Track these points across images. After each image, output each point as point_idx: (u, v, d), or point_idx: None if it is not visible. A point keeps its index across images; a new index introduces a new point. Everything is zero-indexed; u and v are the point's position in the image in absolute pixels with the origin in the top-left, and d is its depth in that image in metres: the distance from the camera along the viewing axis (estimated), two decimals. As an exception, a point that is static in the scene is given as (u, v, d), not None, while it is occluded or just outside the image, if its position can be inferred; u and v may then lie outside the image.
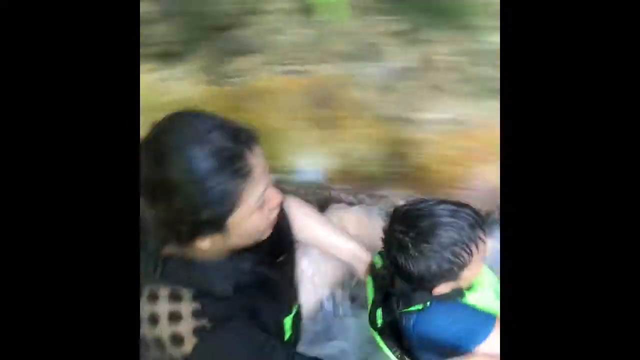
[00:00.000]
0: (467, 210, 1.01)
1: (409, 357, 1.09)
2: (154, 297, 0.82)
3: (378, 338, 1.15)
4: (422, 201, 1.03)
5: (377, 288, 1.15)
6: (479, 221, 1.01)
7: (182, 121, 0.79)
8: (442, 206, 1.00)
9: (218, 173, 0.76)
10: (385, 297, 1.11)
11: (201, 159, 0.75)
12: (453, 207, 1.00)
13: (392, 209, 1.08)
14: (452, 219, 0.98)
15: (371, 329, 1.17)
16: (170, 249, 0.85)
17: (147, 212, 0.78)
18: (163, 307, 0.82)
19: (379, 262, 1.17)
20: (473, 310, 1.04)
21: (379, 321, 1.12)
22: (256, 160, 0.80)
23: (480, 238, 1.00)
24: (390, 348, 1.12)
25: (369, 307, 1.17)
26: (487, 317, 1.01)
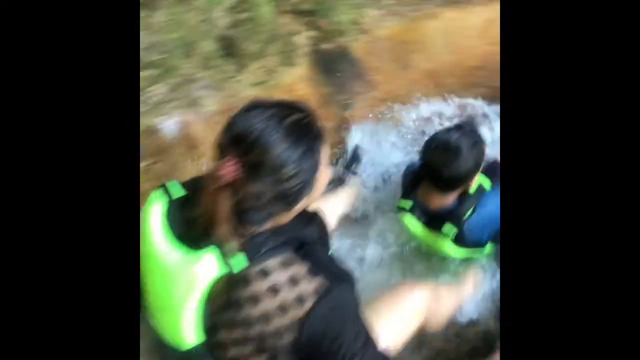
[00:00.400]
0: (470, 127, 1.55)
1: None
2: (265, 273, 0.87)
3: (432, 239, 1.58)
4: (444, 131, 1.50)
5: (420, 217, 1.58)
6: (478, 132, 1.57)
7: (265, 107, 0.88)
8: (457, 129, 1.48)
9: (309, 140, 0.88)
10: (430, 219, 1.56)
11: (294, 130, 0.86)
12: (461, 129, 1.49)
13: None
14: (464, 135, 1.45)
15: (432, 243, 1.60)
16: (240, 230, 0.87)
17: (252, 195, 0.84)
18: (280, 276, 0.87)
19: (406, 204, 1.60)
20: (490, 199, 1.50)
21: (451, 232, 1.51)
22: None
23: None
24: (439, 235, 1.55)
25: (422, 233, 1.59)
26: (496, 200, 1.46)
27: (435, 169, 1.43)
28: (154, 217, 0.94)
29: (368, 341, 0.93)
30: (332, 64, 2.22)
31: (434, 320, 1.37)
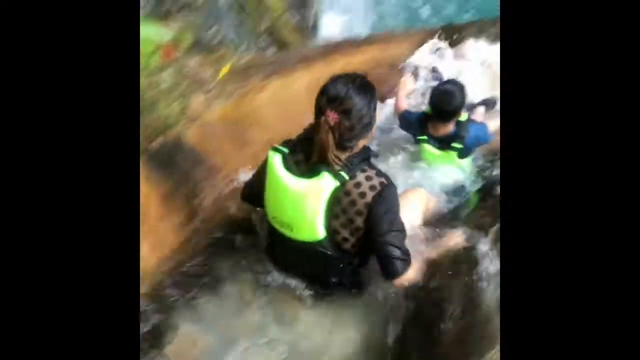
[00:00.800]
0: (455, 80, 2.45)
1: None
2: (352, 177, 1.48)
3: (443, 155, 2.40)
4: (442, 84, 2.46)
5: (434, 144, 2.41)
6: (461, 83, 2.41)
7: (341, 76, 1.52)
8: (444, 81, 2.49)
9: (369, 92, 1.52)
10: (441, 144, 2.39)
11: (361, 87, 1.49)
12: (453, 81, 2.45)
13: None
14: (455, 85, 2.36)
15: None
16: (340, 156, 1.48)
17: (346, 129, 1.45)
18: (360, 178, 1.49)
19: (422, 137, 2.43)
20: (478, 124, 2.42)
21: (458, 147, 2.35)
22: None
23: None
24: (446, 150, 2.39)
25: (438, 154, 2.40)
26: (481, 126, 2.40)
27: (441, 106, 2.33)
28: (277, 165, 1.52)
29: (402, 226, 1.53)
30: (168, 159, 2.17)
31: (429, 206, 2.04)
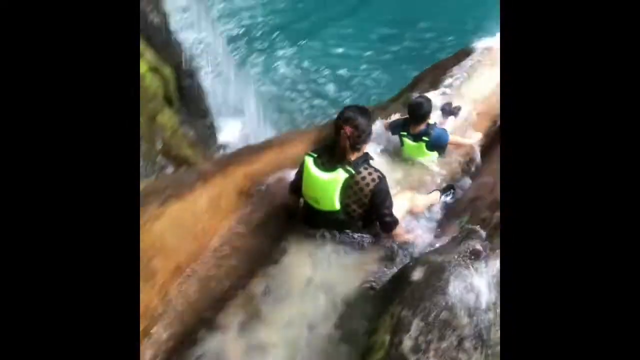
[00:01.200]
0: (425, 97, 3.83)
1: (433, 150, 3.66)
2: (359, 172, 2.42)
3: (416, 146, 3.65)
4: (416, 98, 3.82)
5: (411, 138, 3.65)
6: (429, 98, 3.79)
7: (351, 106, 2.56)
8: (417, 96, 3.90)
9: (368, 115, 2.53)
10: (415, 138, 3.62)
11: (363, 112, 2.50)
12: (423, 96, 3.84)
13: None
14: (424, 98, 3.72)
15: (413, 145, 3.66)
16: (352, 156, 2.44)
17: (356, 138, 2.40)
18: (364, 173, 2.43)
19: (404, 133, 3.67)
20: (438, 129, 3.69)
21: (426, 140, 3.58)
22: None
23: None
24: (418, 142, 3.62)
25: (413, 145, 3.64)
26: (443, 130, 3.72)
27: (414, 112, 3.55)
28: (310, 164, 2.45)
29: (392, 203, 2.50)
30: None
31: (415, 206, 2.99)
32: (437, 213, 3.11)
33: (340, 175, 2.40)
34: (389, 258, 2.51)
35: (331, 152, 2.46)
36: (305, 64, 9.13)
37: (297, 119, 8.04)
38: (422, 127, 3.59)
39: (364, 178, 2.42)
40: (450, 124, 3.98)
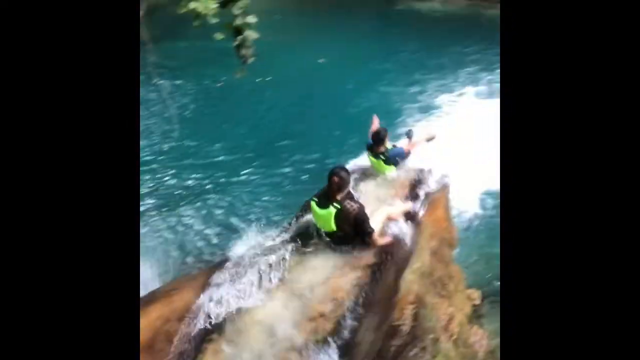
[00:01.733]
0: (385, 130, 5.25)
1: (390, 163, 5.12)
2: (344, 205, 3.65)
3: (377, 162, 5.15)
4: (379, 129, 5.20)
5: (375, 157, 5.16)
6: (386, 129, 5.26)
7: (337, 167, 3.87)
8: (382, 130, 5.21)
9: (346, 173, 3.79)
10: (377, 156, 5.13)
11: (343, 171, 3.75)
12: (382, 128, 5.27)
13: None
14: (383, 128, 5.22)
15: (376, 161, 5.16)
16: (338, 196, 3.73)
17: (341, 184, 3.69)
18: (348, 206, 3.66)
19: (371, 152, 5.18)
20: (396, 148, 5.25)
21: (383, 157, 5.07)
22: None
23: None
24: (378, 159, 5.12)
25: (376, 161, 5.15)
26: (400, 149, 5.25)
27: (376, 137, 5.03)
28: (314, 205, 3.78)
29: (369, 222, 3.68)
30: None
31: (390, 214, 4.10)
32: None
33: (332, 210, 3.65)
34: (372, 261, 3.66)
35: (325, 196, 3.70)
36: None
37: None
38: (382, 149, 5.06)
39: (348, 209, 3.62)
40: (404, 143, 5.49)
